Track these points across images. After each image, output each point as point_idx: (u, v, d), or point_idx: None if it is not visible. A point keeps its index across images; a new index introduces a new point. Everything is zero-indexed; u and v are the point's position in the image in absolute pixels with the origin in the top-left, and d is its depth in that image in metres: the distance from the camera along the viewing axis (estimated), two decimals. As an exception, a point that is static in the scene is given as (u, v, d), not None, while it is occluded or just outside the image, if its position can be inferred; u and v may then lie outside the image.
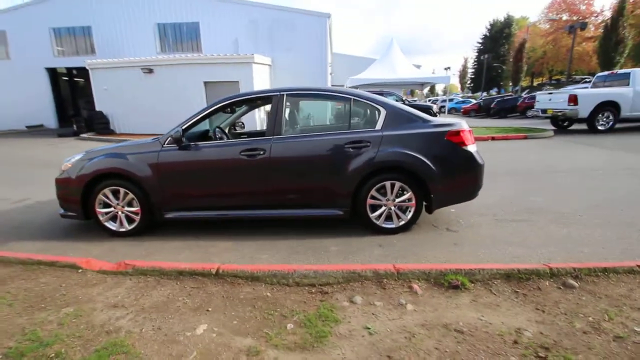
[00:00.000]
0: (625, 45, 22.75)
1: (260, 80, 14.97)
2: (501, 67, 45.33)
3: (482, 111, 26.10)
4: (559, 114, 10.91)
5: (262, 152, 3.27)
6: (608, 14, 32.07)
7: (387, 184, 3.27)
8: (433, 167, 3.20)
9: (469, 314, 2.06)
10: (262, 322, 2.04)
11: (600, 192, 4.56)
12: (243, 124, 5.25)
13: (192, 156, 3.39)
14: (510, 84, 43.27)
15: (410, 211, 3.35)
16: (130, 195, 3.43)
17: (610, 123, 10.30)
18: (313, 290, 2.37)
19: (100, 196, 3.46)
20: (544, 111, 11.72)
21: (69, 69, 20.90)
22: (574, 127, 11.74)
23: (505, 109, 23.35)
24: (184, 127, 3.39)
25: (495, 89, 48.88)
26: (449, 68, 43.04)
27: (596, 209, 3.94)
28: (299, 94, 3.64)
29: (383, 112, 3.33)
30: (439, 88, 60.94)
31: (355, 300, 2.22)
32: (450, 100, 31.61)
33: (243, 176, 3.36)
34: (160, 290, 2.40)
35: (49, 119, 19.69)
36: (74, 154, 3.76)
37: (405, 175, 3.26)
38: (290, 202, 3.39)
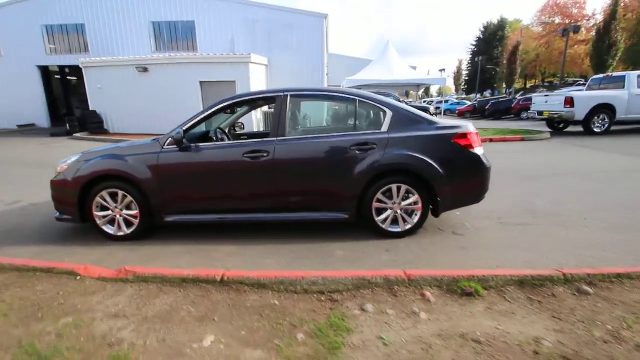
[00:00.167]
0: (617, 48, 23.06)
1: (257, 81, 14.85)
2: (495, 69, 45.73)
3: (477, 113, 26.30)
4: (556, 116, 10.99)
5: (266, 154, 3.19)
6: (600, 18, 32.58)
7: (394, 187, 3.21)
8: (440, 170, 3.15)
9: (485, 322, 2.01)
10: (271, 332, 1.96)
11: (601, 195, 4.56)
12: (243, 124, 5.16)
13: (193, 158, 3.30)
14: (504, 86, 43.69)
15: (416, 215, 3.29)
16: (129, 198, 3.32)
17: (606, 125, 10.39)
18: (322, 298, 2.29)
19: (98, 199, 3.35)
20: (540, 113, 11.80)
21: (62, 68, 20.56)
22: (570, 129, 11.83)
23: (500, 111, 23.56)
24: (185, 128, 3.30)
25: (489, 91, 49.31)
26: (443, 70, 43.27)
27: (599, 212, 3.92)
28: (303, 95, 3.57)
29: (389, 113, 3.27)
30: (434, 89, 61.36)
31: (367, 309, 2.15)
32: (446, 101, 31.77)
33: (246, 179, 3.27)
34: (163, 298, 2.31)
35: (41, 118, 19.31)
36: (69, 155, 3.64)
37: (412, 178, 3.20)
38: (294, 206, 3.32)
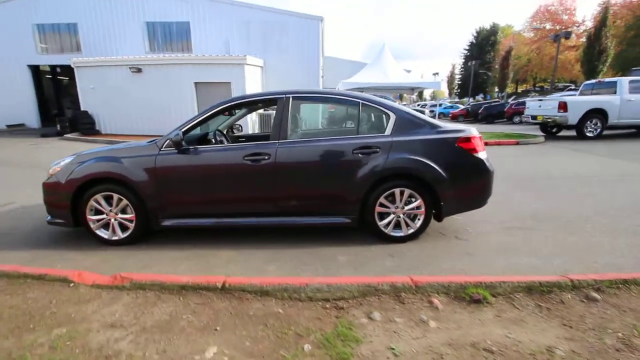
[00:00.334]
0: (607, 54, 23.51)
1: (252, 82, 14.76)
2: (487, 73, 46.30)
3: (470, 116, 26.53)
4: (549, 120, 11.11)
5: (267, 157, 3.12)
6: (589, 24, 33.22)
7: (397, 191, 3.16)
8: (444, 174, 3.11)
9: (495, 330, 1.96)
10: (276, 342, 1.89)
11: (599, 199, 4.58)
12: (241, 126, 5.09)
13: (192, 160, 3.21)
14: (496, 90, 44.21)
15: (419, 219, 3.25)
16: (125, 202, 3.22)
17: (598, 130, 10.53)
18: (327, 306, 2.23)
19: (92, 202, 3.24)
20: (534, 117, 11.92)
21: (53, 67, 20.22)
22: (563, 133, 11.96)
23: (493, 115, 23.80)
24: (183, 130, 3.21)
25: (481, 95, 49.89)
26: (437, 74, 43.70)
27: (599, 216, 3.93)
28: (305, 97, 3.51)
29: (393, 117, 3.23)
30: (427, 93, 61.86)
31: (374, 317, 2.09)
32: (440, 105, 32.01)
33: (246, 182, 3.20)
34: (162, 306, 2.22)
35: (31, 118, 18.91)
36: (60, 156, 3.53)
37: (415, 182, 3.16)
38: (296, 210, 3.25)
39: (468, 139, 3.19)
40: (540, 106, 11.73)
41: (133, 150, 3.32)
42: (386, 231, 3.26)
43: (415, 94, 32.53)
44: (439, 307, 2.17)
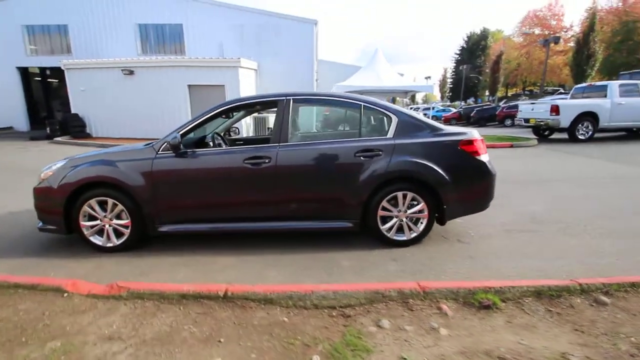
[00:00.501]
0: (595, 59, 23.94)
1: (247, 85, 14.66)
2: (478, 77, 46.88)
3: (462, 120, 26.77)
4: (542, 123, 11.23)
5: (267, 160, 3.06)
6: (577, 29, 33.90)
7: (399, 194, 3.12)
8: (446, 177, 3.08)
9: (507, 337, 1.92)
10: (283, 353, 1.81)
11: (596, 201, 4.60)
12: (238, 129, 5.02)
13: (190, 164, 3.13)
14: (487, 93, 44.78)
15: (422, 223, 3.21)
16: (120, 207, 3.12)
17: (590, 133, 10.68)
18: (334, 313, 2.16)
19: (86, 207, 3.13)
20: (527, 120, 12.05)
21: (43, 69, 19.80)
22: (555, 136, 12.11)
23: (485, 118, 24.08)
24: (181, 132, 3.13)
25: (472, 99, 50.47)
26: (429, 77, 44.05)
27: (597, 218, 3.94)
28: (306, 99, 3.46)
29: (395, 119, 3.19)
30: (419, 97, 62.35)
31: (383, 325, 2.03)
32: (432, 108, 32.28)
33: (246, 186, 3.13)
34: (162, 317, 2.13)
35: (20, 121, 18.48)
36: (52, 160, 3.41)
37: (418, 186, 3.12)
38: (297, 214, 3.18)
39: (470, 142, 3.16)
40: (532, 109, 11.86)
41: (129, 154, 3.23)
42: (389, 235, 3.21)
43: (408, 97, 32.79)
44: (448, 314, 2.12)
